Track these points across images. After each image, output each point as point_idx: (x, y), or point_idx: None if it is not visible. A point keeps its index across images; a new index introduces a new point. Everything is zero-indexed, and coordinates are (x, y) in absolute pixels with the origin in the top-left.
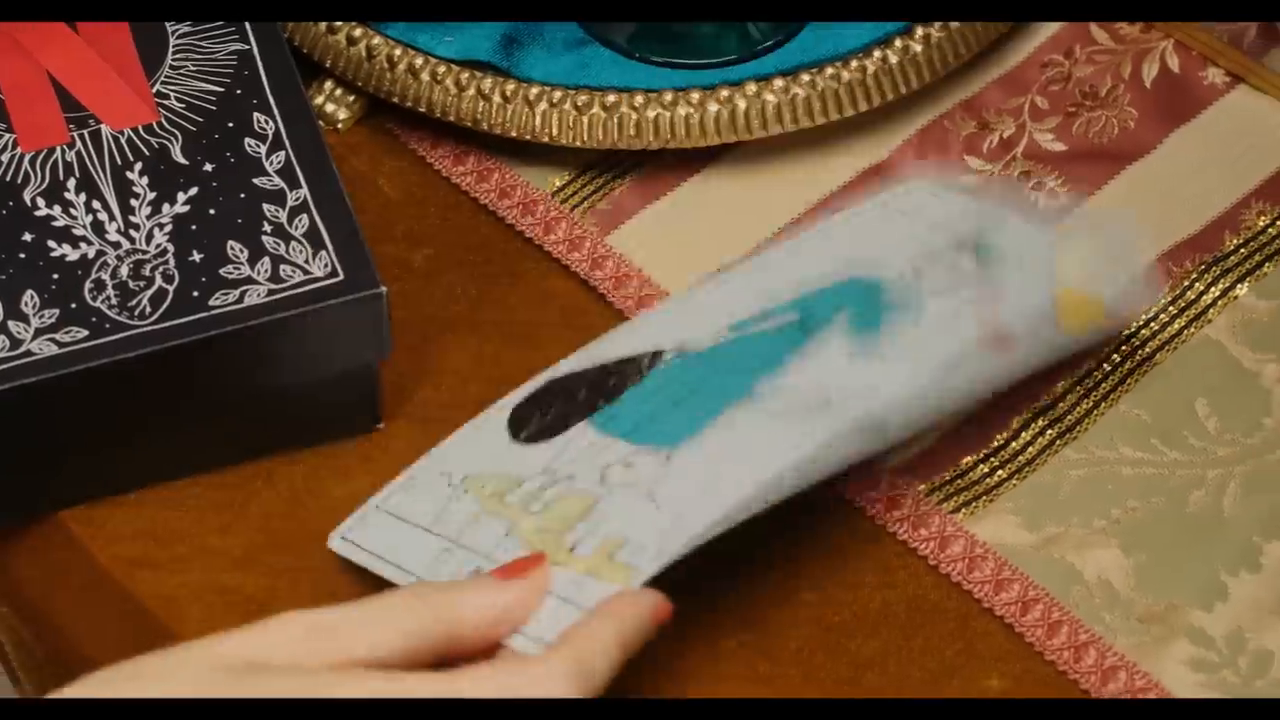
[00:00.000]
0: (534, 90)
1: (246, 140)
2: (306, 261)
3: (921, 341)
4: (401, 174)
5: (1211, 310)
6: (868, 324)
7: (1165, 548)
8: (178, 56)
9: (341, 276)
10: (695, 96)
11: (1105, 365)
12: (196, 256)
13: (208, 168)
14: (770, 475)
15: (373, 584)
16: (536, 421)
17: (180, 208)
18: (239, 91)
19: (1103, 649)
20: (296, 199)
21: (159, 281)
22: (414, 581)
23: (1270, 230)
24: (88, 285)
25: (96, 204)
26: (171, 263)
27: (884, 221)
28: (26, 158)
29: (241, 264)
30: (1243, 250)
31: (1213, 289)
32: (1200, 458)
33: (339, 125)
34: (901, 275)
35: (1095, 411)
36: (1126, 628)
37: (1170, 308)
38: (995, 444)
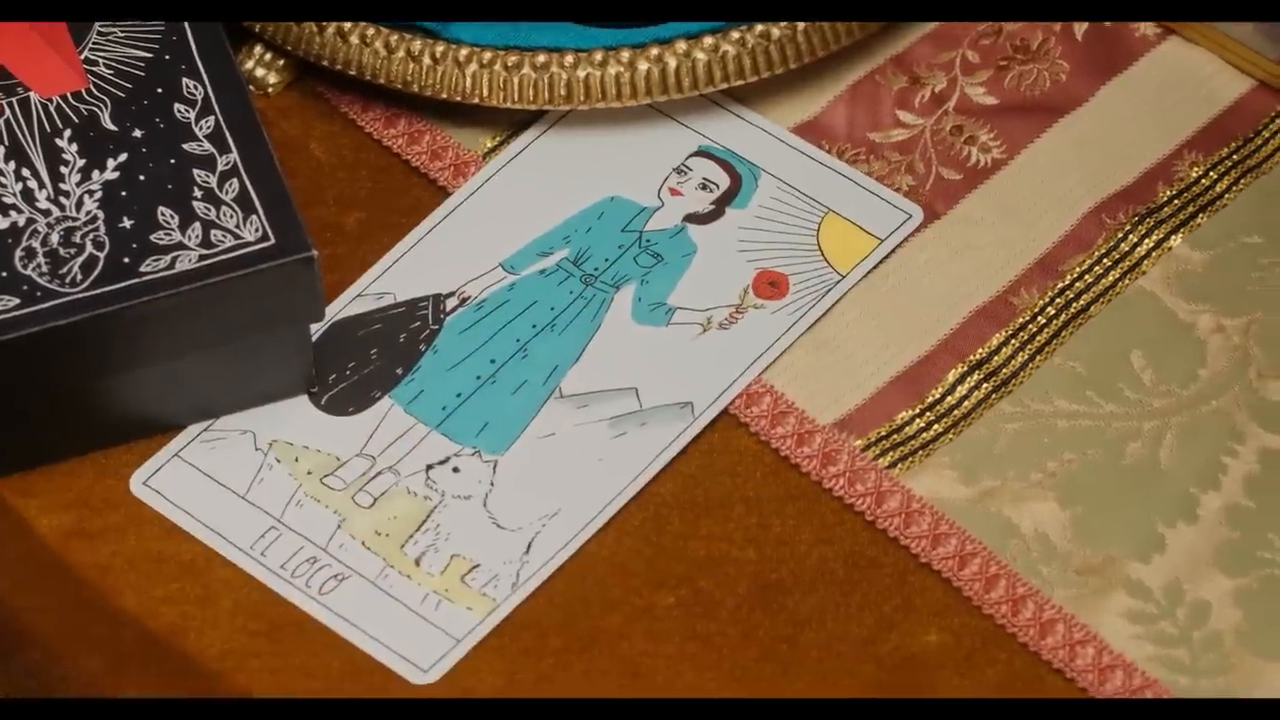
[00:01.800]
0: (464, 52)
1: (176, 106)
2: (237, 226)
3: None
4: (332, 137)
5: (1145, 262)
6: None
7: (1102, 500)
8: (105, 23)
9: (273, 241)
10: (625, 55)
11: (1040, 318)
12: (127, 223)
13: (137, 134)
14: (622, 490)
15: None
16: (335, 383)
17: (110, 174)
18: (167, 57)
19: (1040, 602)
20: (226, 164)
21: (90, 249)
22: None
23: (1203, 181)
24: (18, 253)
25: (26, 172)
26: (102, 230)
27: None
28: None
29: (172, 230)
30: (1176, 201)
31: (1146, 241)
32: (1136, 410)
33: (269, 89)
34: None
35: (1030, 365)
36: (1064, 580)
37: (1104, 260)
38: (930, 399)
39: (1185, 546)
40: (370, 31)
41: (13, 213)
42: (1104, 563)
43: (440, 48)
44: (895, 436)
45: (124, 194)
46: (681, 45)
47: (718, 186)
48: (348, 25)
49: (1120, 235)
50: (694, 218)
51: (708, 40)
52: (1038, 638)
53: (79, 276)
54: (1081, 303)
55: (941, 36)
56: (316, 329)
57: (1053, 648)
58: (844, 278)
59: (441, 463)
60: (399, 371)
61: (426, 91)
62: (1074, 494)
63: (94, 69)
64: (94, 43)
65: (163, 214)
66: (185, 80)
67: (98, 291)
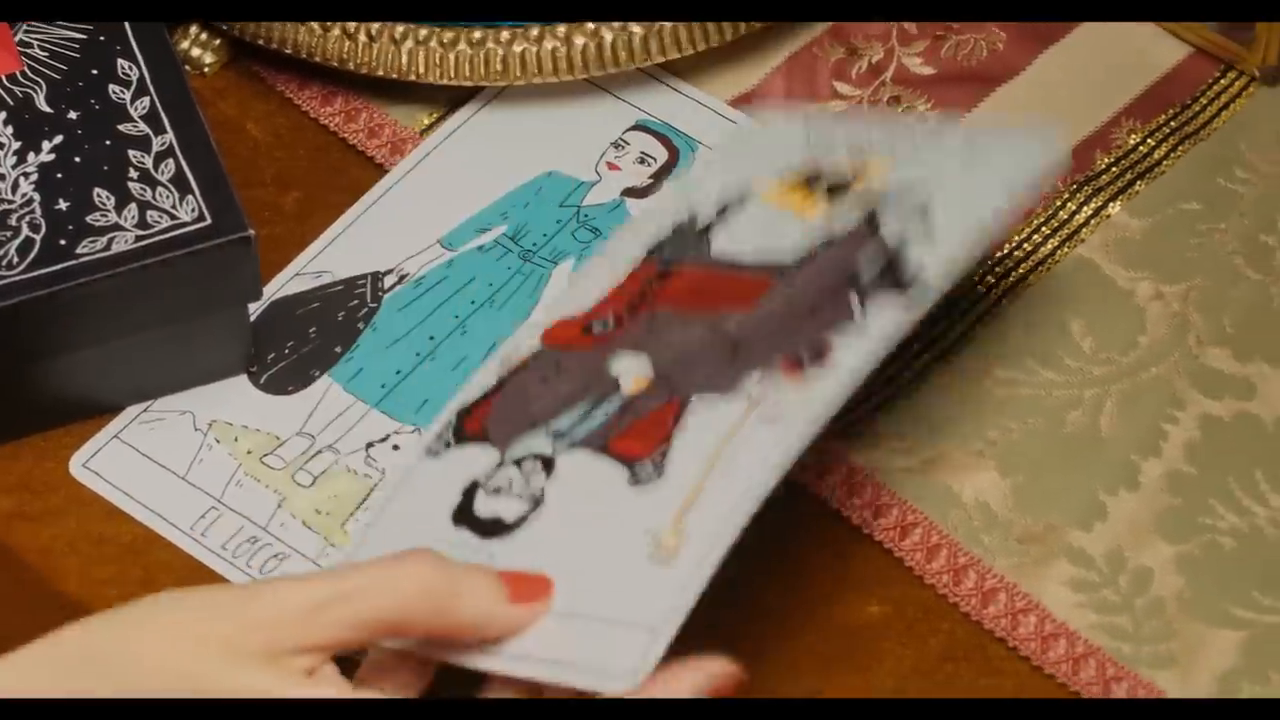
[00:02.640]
0: (399, 29)
1: (111, 87)
2: (174, 207)
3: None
4: (269, 117)
5: (1084, 230)
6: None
7: (1043, 468)
8: None
9: (209, 221)
10: (561, 30)
11: (979, 288)
12: (63, 205)
13: (72, 115)
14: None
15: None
16: (274, 362)
17: (45, 156)
18: (102, 38)
19: (982, 571)
20: (162, 144)
21: (25, 231)
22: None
23: (1141, 149)
24: None
25: None
26: (38, 212)
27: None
28: None
29: (108, 211)
30: (1114, 169)
31: (1085, 208)
32: (1076, 378)
33: (205, 69)
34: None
35: (970, 334)
36: (1006, 549)
37: (1043, 228)
38: None
39: (1127, 514)
40: None
41: None
42: (1045, 531)
43: (375, 25)
44: None
45: (59, 176)
46: (617, 20)
47: (655, 160)
48: None
49: (1059, 204)
50: (632, 192)
51: None
52: (980, 607)
53: (15, 259)
54: (1020, 271)
55: None
56: (255, 308)
57: (995, 617)
58: None
59: (382, 440)
60: (338, 350)
61: (362, 69)
62: (1015, 463)
63: (28, 51)
64: (28, 24)
65: (99, 195)
66: (120, 61)
67: (34, 274)
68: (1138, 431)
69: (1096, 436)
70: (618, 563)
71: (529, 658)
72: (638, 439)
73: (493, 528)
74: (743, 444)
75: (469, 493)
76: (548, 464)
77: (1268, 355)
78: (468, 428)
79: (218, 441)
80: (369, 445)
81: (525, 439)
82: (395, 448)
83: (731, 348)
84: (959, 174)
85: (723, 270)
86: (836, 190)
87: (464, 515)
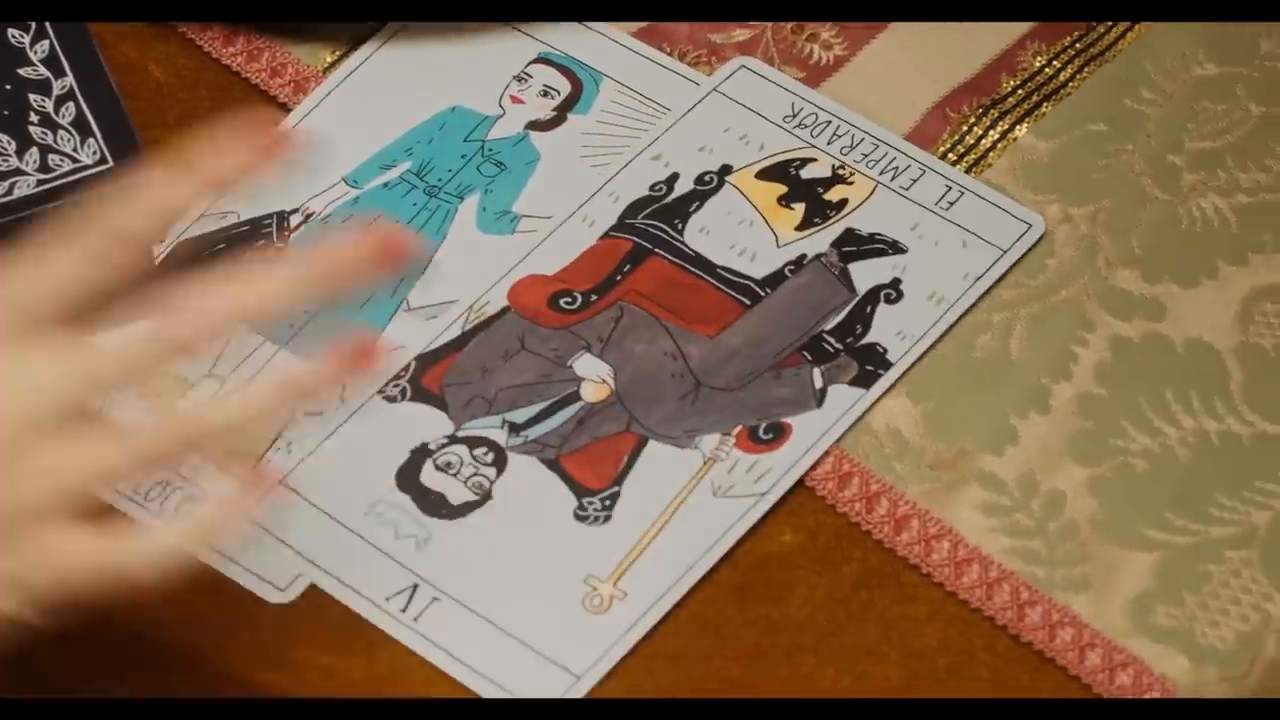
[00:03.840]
0: None
1: (9, 31)
2: (75, 150)
3: None
4: (171, 58)
5: (991, 154)
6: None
7: (953, 394)
8: None
9: (111, 164)
10: None
11: None
12: None
13: None
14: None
15: None
16: None
17: None
18: None
19: (894, 498)
20: (62, 88)
21: None
22: None
23: (1047, 70)
24: None
25: None
26: None
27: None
28: None
29: (9, 155)
30: (1020, 91)
31: (991, 132)
32: (985, 301)
33: None
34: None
35: None
36: (917, 476)
37: (950, 154)
38: None
39: (1038, 437)
40: None
41: None
42: (957, 456)
43: None
44: None
45: None
46: None
47: (559, 93)
48: None
49: (965, 128)
50: (536, 125)
51: None
52: (892, 534)
53: None
54: None
55: None
56: (159, 250)
57: (908, 543)
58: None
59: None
60: None
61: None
62: (925, 389)
63: None
64: None
65: None
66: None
67: None
68: (1048, 355)
69: (1006, 360)
70: (554, 599)
71: (462, 661)
72: (590, 466)
73: (436, 506)
74: (693, 512)
75: (417, 456)
76: (500, 458)
77: (1177, 276)
78: (425, 383)
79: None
80: None
81: (481, 420)
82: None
83: (693, 386)
84: (934, 248)
85: (694, 274)
86: (812, 204)
87: (408, 480)
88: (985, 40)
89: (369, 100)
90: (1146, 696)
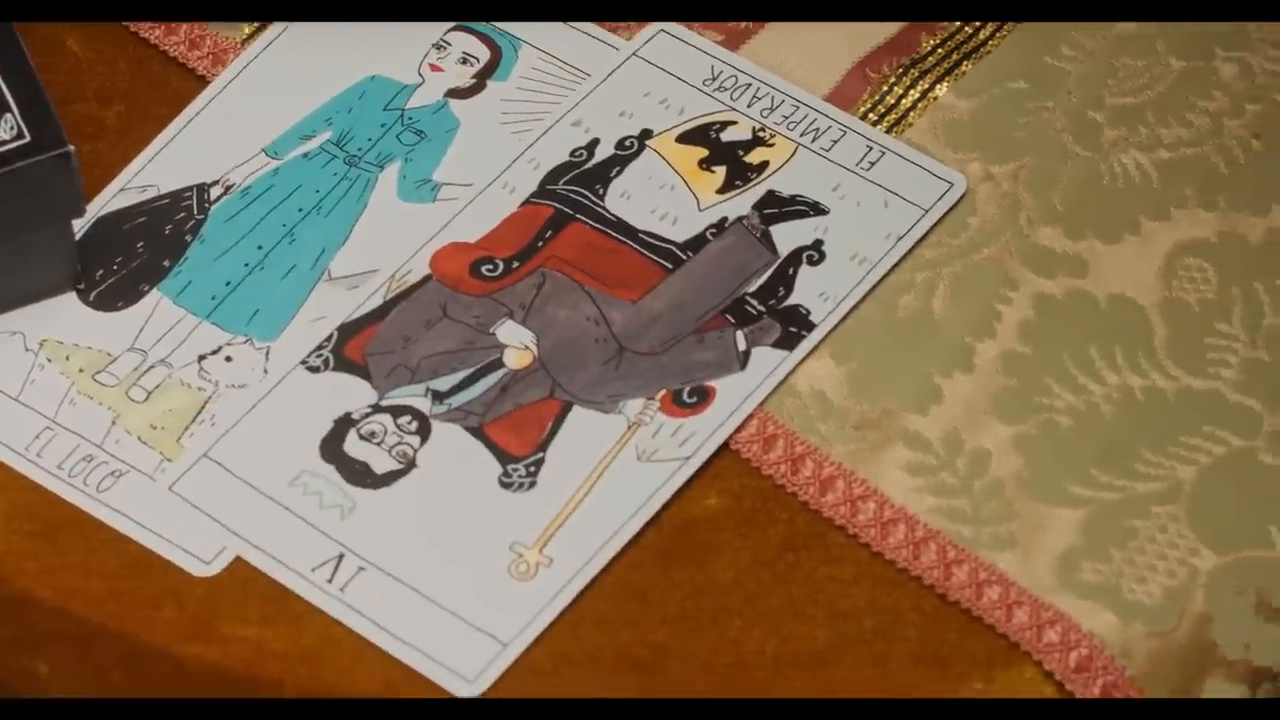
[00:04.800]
0: None
1: None
2: None
3: None
4: (88, 32)
5: (912, 114)
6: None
7: (877, 354)
8: None
9: (28, 138)
10: None
11: None
12: None
13: None
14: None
15: None
16: (103, 278)
17: None
18: None
19: (819, 460)
20: None
21: None
22: None
23: (966, 29)
24: None
25: None
26: None
27: None
28: None
29: None
30: (940, 50)
31: (911, 92)
32: (908, 261)
33: None
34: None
35: None
36: (842, 436)
37: (870, 114)
38: None
39: (962, 396)
40: None
41: None
42: (881, 417)
43: None
44: None
45: None
46: None
47: (478, 60)
48: None
49: (885, 88)
50: (456, 93)
51: None
52: (818, 495)
53: None
54: None
55: None
56: (80, 225)
57: (834, 504)
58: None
59: (214, 353)
60: (166, 264)
61: None
62: (849, 350)
63: None
64: None
65: None
66: None
67: None
68: (971, 313)
69: (930, 320)
70: (480, 567)
71: (389, 631)
72: (514, 433)
73: (360, 475)
74: (617, 477)
75: (340, 426)
76: (424, 427)
77: (1099, 232)
78: (348, 353)
79: (49, 361)
80: (201, 358)
81: (404, 388)
82: (228, 359)
83: (616, 351)
84: (856, 209)
85: (616, 239)
86: (733, 167)
87: (332, 450)
88: None
89: (288, 71)
90: (1099, 671)
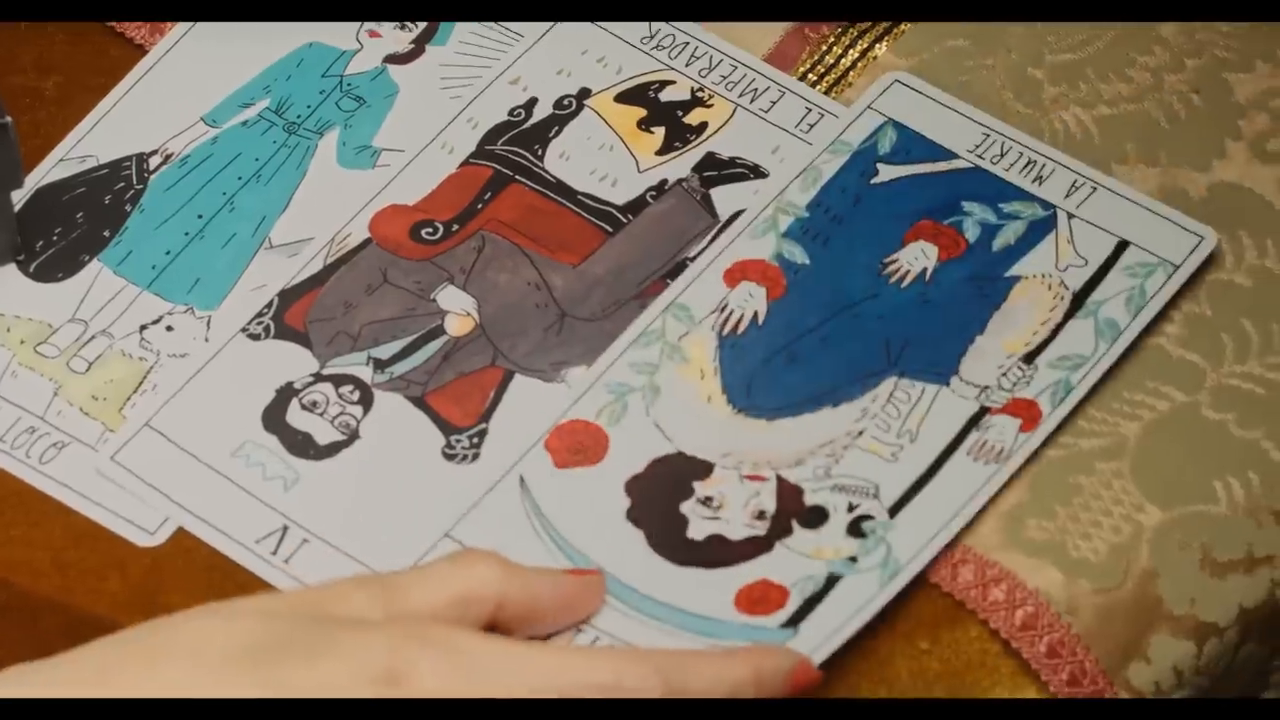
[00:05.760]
0: None
1: None
2: None
3: None
4: None
5: (851, 73)
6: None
7: None
8: None
9: None
10: None
11: None
12: None
13: None
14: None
15: None
16: (43, 250)
17: None
18: None
19: None
20: None
21: None
22: None
23: None
24: None
25: None
26: None
27: None
28: None
29: None
30: None
31: (851, 51)
32: None
33: None
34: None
35: None
36: None
37: (809, 75)
38: None
39: None
40: None
41: None
42: None
43: None
44: None
45: None
46: None
47: (416, 25)
48: None
49: (824, 48)
50: (394, 58)
51: None
52: None
53: None
54: None
55: None
56: (19, 196)
57: None
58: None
59: (155, 322)
60: (106, 234)
61: None
62: None
63: None
64: None
65: None
66: None
67: None
68: None
69: None
70: (423, 544)
71: None
72: (457, 403)
73: (303, 446)
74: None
75: (282, 396)
76: (366, 397)
77: None
78: (289, 320)
79: None
80: (142, 328)
81: (346, 356)
82: (169, 329)
83: (558, 317)
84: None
85: (555, 201)
86: (672, 128)
87: (274, 420)
88: None
89: (225, 39)
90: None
